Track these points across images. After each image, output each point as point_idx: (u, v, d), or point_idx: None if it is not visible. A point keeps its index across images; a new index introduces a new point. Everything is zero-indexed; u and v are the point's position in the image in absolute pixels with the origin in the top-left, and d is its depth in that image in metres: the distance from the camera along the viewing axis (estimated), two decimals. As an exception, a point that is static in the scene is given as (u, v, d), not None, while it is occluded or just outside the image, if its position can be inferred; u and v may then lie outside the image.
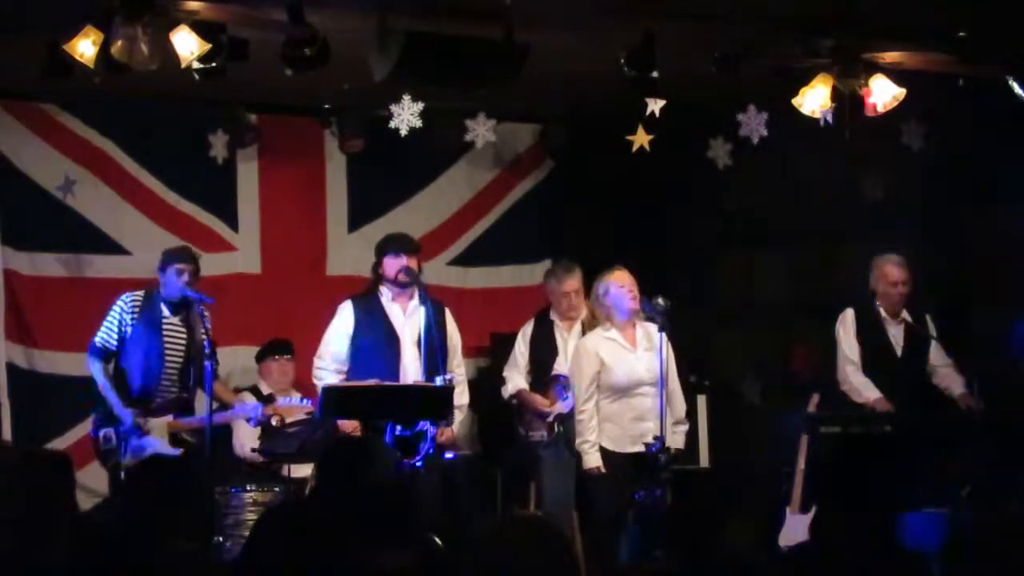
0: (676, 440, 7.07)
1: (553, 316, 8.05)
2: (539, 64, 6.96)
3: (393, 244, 7.42)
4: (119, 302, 7.27)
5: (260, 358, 8.44)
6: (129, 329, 7.23)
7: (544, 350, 7.98)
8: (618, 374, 7.06)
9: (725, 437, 8.42)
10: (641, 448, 6.95)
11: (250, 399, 7.92)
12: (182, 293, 7.22)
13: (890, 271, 7.52)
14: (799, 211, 8.78)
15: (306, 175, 9.23)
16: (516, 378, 8.02)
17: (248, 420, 7.39)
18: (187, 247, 7.58)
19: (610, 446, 7.05)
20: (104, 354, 7.24)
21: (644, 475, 6.87)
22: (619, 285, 7.09)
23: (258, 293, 9.02)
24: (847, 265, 8.47)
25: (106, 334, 7.24)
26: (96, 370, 7.23)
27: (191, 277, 7.25)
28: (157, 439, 7.10)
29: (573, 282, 7.89)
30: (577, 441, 7.16)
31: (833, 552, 3.86)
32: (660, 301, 6.92)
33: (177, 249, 7.46)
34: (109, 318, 7.25)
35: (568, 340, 7.83)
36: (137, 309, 7.25)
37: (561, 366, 7.74)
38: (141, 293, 7.32)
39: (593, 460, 7.04)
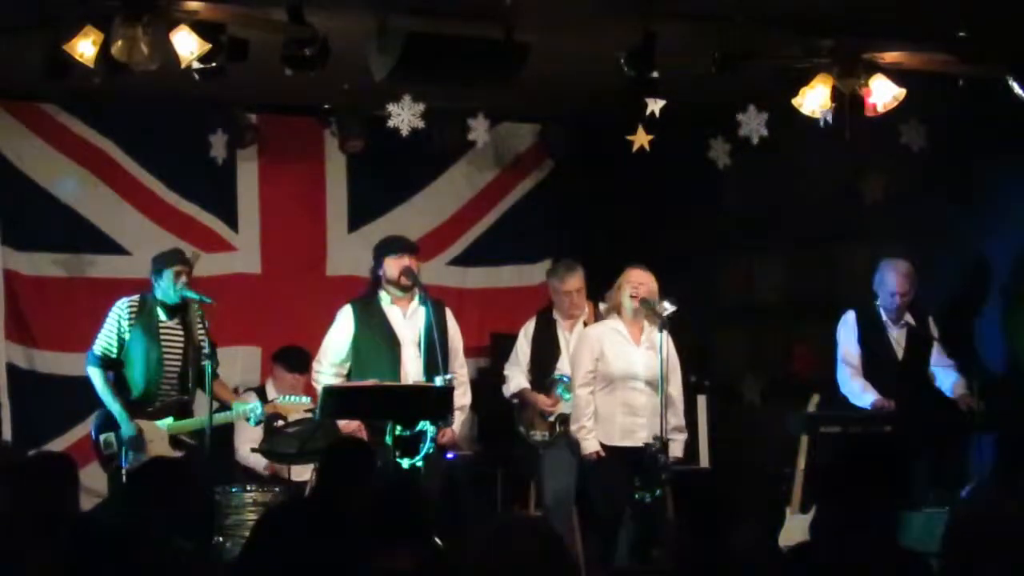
0: (675, 448, 7.07)
1: (555, 315, 8.04)
2: (539, 64, 6.96)
3: (394, 245, 7.41)
4: (115, 308, 7.26)
5: (275, 360, 8.41)
6: (127, 335, 7.22)
7: (546, 349, 7.96)
8: (614, 364, 7.10)
9: (725, 437, 8.42)
10: (632, 443, 7.00)
11: (253, 399, 7.90)
12: (181, 295, 7.22)
13: (892, 279, 7.47)
14: (799, 211, 8.77)
15: (306, 175, 9.24)
16: (518, 376, 8.01)
17: (248, 419, 7.39)
18: (178, 249, 7.56)
19: (601, 437, 7.09)
20: (104, 362, 7.23)
21: (644, 475, 6.88)
22: (628, 281, 7.13)
23: (258, 293, 9.02)
24: (847, 265, 8.47)
25: (105, 342, 7.23)
26: (96, 378, 7.21)
27: (189, 278, 7.26)
28: (156, 452, 7.09)
29: (575, 281, 7.86)
30: (573, 427, 7.19)
31: (833, 552, 3.86)
32: (665, 304, 6.97)
33: (170, 253, 7.42)
34: (107, 326, 7.24)
35: (570, 339, 7.81)
36: (133, 314, 7.24)
37: (563, 365, 7.73)
38: (136, 298, 7.30)
39: (591, 445, 7.08)
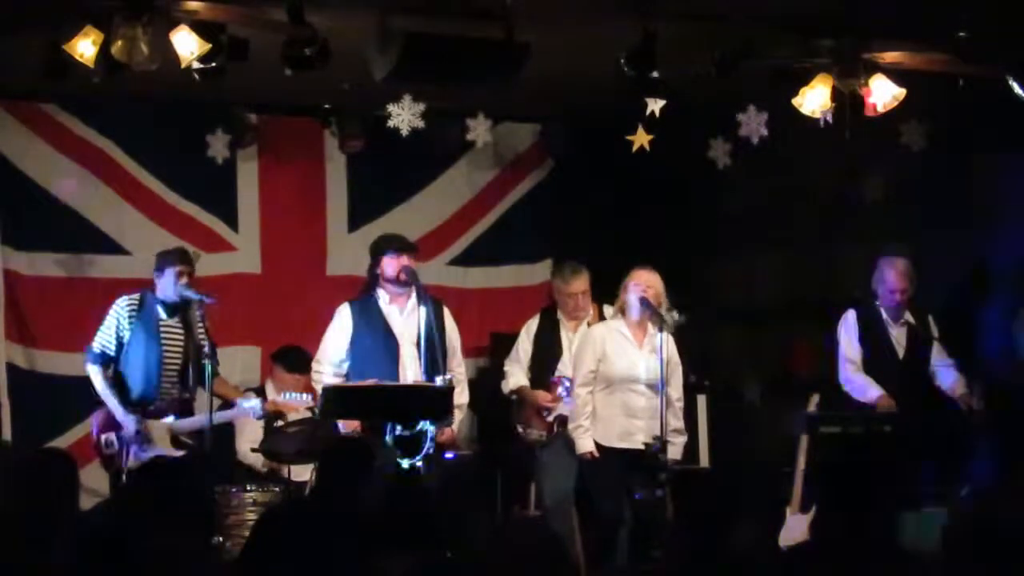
0: (674, 451, 7.08)
1: (560, 315, 8.02)
2: (539, 64, 6.96)
3: (392, 244, 7.41)
4: (115, 307, 7.28)
5: (275, 360, 8.40)
6: (127, 333, 7.23)
7: (548, 348, 7.95)
8: (615, 366, 7.11)
9: (725, 437, 8.42)
10: (629, 445, 7.02)
11: (253, 399, 7.88)
12: (181, 294, 7.22)
13: (890, 277, 7.49)
14: (799, 211, 8.77)
15: (306, 175, 9.23)
16: (517, 374, 8.00)
17: (249, 415, 7.40)
18: (182, 248, 7.58)
19: (599, 438, 7.11)
20: (103, 360, 7.24)
21: (644, 475, 6.89)
22: (635, 283, 7.13)
23: (258, 293, 9.02)
24: (847, 265, 8.47)
25: (104, 340, 7.24)
26: (96, 376, 7.23)
27: (190, 278, 7.26)
28: (159, 447, 7.11)
29: (580, 283, 7.84)
30: (570, 425, 7.22)
31: (833, 552, 3.86)
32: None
33: (173, 251, 7.45)
34: (106, 323, 7.26)
35: (573, 340, 7.81)
36: (134, 313, 7.25)
37: (565, 366, 7.73)
38: (137, 296, 7.31)
39: (586, 444, 7.11)
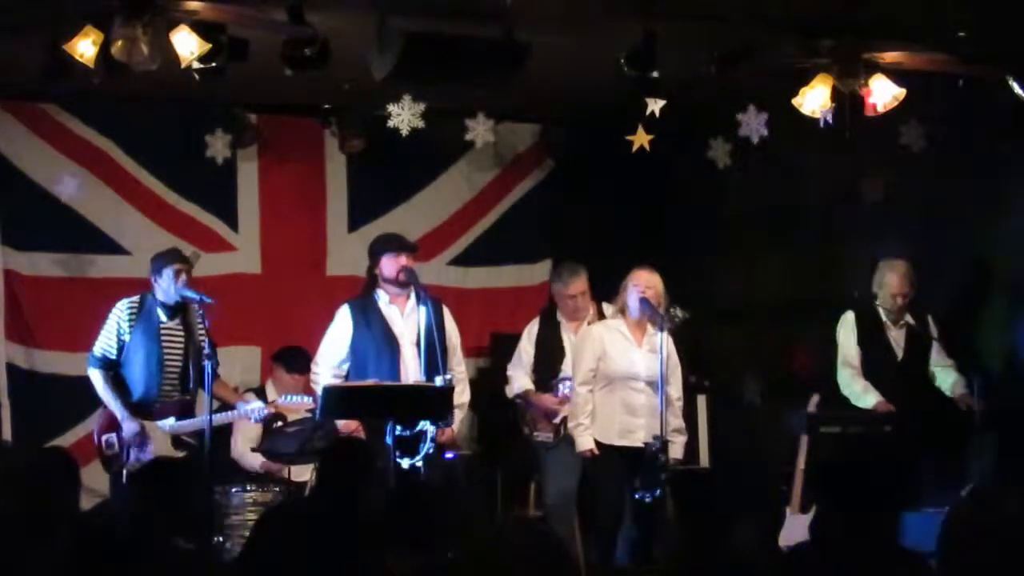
0: (675, 450, 7.09)
1: (560, 317, 8.02)
2: (539, 64, 6.96)
3: (391, 244, 7.40)
4: (115, 310, 7.27)
5: (275, 361, 8.40)
6: (127, 336, 7.23)
7: (550, 350, 7.94)
8: (614, 363, 7.12)
9: (725, 437, 8.42)
10: (630, 443, 7.03)
11: (253, 399, 7.89)
12: (181, 294, 7.21)
13: (892, 280, 7.48)
14: (799, 211, 8.77)
15: (306, 175, 9.23)
16: (521, 378, 7.99)
17: (250, 418, 7.40)
18: (176, 249, 7.57)
19: (598, 436, 7.12)
20: (105, 363, 7.23)
21: (644, 475, 6.89)
22: (635, 283, 7.14)
23: (258, 293, 9.02)
24: (847, 265, 8.47)
25: (105, 344, 7.24)
26: (98, 380, 7.22)
27: (188, 277, 7.26)
28: (160, 448, 7.11)
29: (579, 284, 7.84)
30: (571, 424, 7.22)
31: (833, 552, 3.86)
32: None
33: (168, 252, 7.43)
34: (107, 327, 7.25)
35: (575, 341, 7.80)
36: (134, 316, 7.24)
37: (568, 368, 7.72)
38: (136, 299, 7.31)
39: (585, 442, 7.12)
